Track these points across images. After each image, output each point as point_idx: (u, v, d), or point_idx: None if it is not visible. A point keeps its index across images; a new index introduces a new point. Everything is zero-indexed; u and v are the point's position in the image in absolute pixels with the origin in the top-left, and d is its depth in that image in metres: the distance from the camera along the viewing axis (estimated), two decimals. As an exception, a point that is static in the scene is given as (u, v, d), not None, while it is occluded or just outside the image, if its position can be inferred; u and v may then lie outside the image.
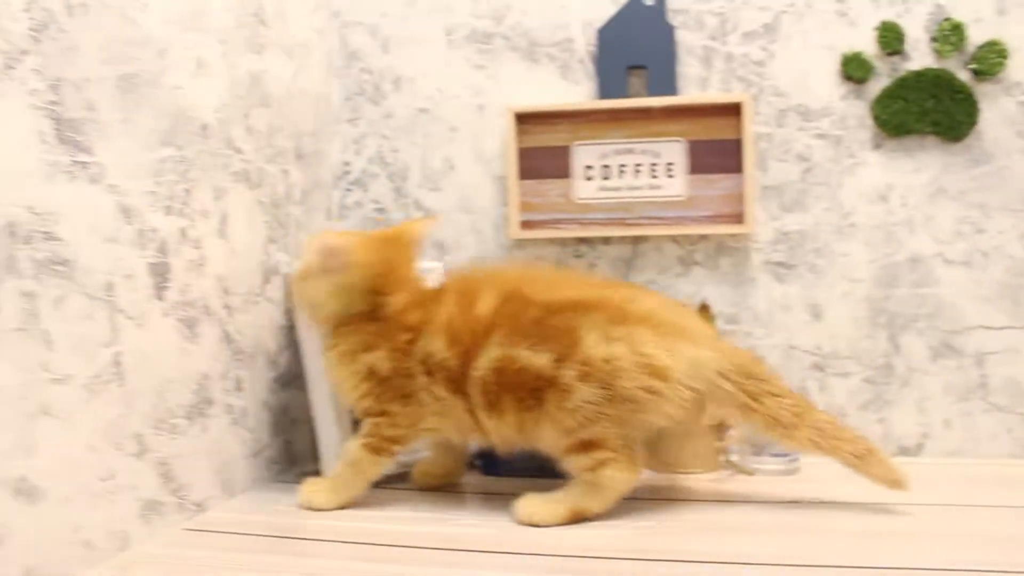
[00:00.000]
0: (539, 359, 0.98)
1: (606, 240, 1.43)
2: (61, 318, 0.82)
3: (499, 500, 1.06)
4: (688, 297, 1.40)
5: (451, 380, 1.03)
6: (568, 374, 0.96)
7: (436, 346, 1.03)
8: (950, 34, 1.32)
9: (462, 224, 1.48)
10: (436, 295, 1.07)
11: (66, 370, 0.82)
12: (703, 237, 1.41)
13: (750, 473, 1.23)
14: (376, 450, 1.06)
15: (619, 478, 0.99)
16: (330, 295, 1.06)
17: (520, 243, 1.46)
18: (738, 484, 1.18)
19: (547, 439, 1.00)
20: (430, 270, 1.18)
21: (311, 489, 1.08)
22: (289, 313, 1.27)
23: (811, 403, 1.05)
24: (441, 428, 1.07)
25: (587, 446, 0.98)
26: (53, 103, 0.82)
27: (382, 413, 1.05)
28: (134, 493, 0.92)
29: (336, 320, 1.07)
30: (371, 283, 1.06)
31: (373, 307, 1.06)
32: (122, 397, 0.90)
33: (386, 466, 1.07)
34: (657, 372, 0.96)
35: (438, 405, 1.05)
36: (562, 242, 1.44)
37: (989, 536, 0.93)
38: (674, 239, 1.42)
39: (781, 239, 1.39)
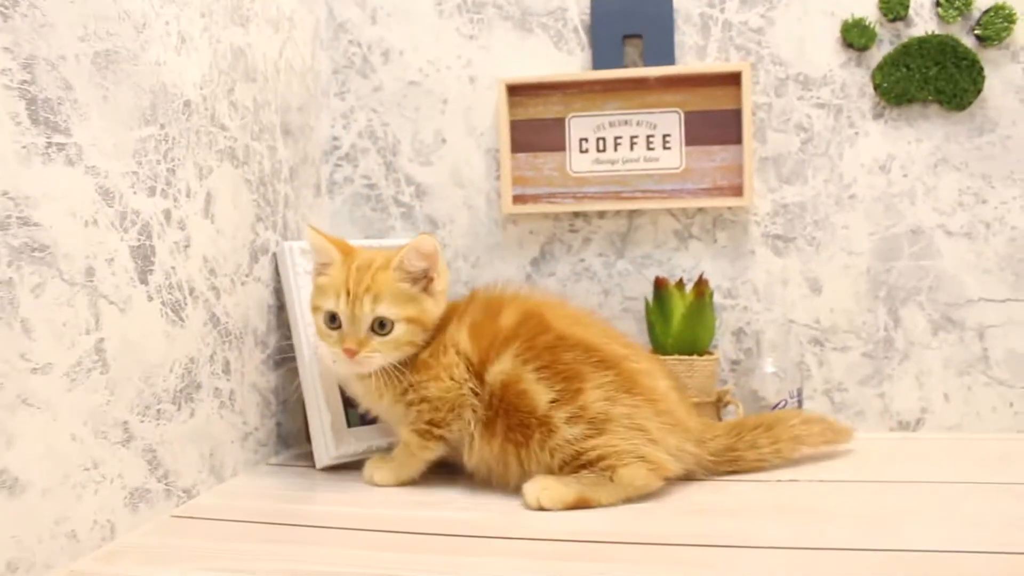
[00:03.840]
0: (541, 394, 1.00)
1: (601, 214, 1.41)
2: (40, 305, 0.80)
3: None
4: (685, 271, 1.38)
5: (472, 374, 1.05)
6: (559, 415, 0.99)
7: (461, 337, 1.07)
8: (954, -1, 1.29)
9: (454, 199, 1.45)
10: (463, 303, 1.12)
11: (46, 359, 0.80)
12: (700, 210, 1.38)
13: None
14: (420, 433, 1.07)
15: (638, 477, 0.98)
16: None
17: (513, 218, 1.43)
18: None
19: (535, 474, 1.00)
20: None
21: (374, 466, 1.11)
22: (279, 293, 1.25)
23: (776, 417, 1.13)
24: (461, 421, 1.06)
25: (591, 463, 0.98)
26: (25, 83, 0.79)
27: (423, 400, 1.06)
28: (120, 482, 0.90)
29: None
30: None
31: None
32: (106, 384, 0.88)
33: (436, 449, 1.08)
34: (644, 456, 0.99)
35: (461, 390, 1.04)
36: (556, 216, 1.42)
37: (990, 515, 0.91)
38: (671, 212, 1.39)
39: (780, 211, 1.36)
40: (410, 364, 1.06)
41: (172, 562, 0.83)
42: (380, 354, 1.04)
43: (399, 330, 1.04)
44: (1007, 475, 1.07)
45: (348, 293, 1.03)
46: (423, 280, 1.07)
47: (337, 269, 1.06)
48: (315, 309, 1.08)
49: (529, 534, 0.89)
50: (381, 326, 1.04)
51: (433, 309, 1.08)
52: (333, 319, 1.05)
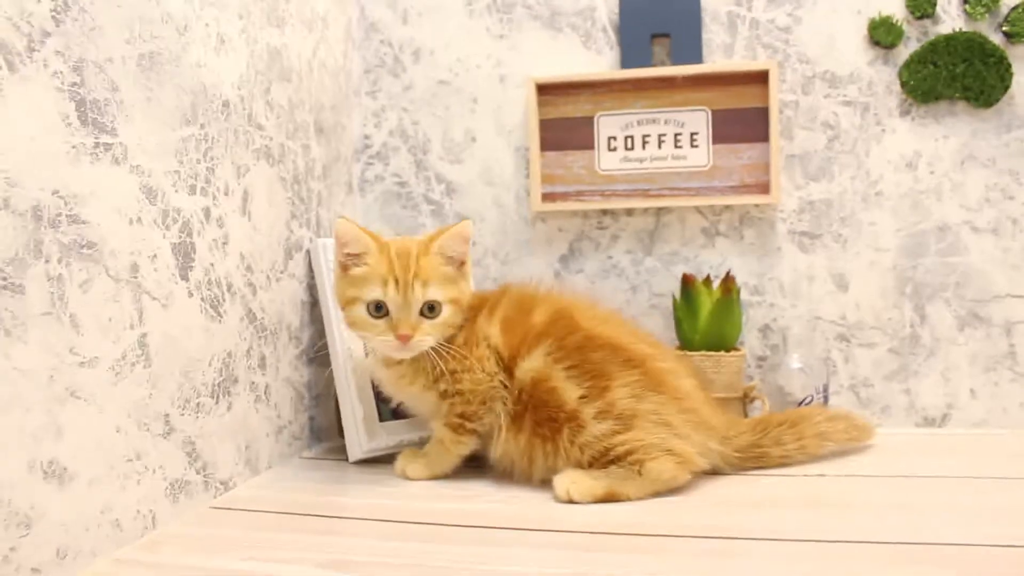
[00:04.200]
0: (570, 391, 1.03)
1: (629, 212, 1.42)
2: (87, 301, 0.82)
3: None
4: (712, 268, 1.39)
5: (502, 367, 1.08)
6: (588, 411, 1.02)
7: (492, 331, 1.10)
8: (982, -4, 1.29)
9: (484, 197, 1.47)
10: (494, 296, 1.15)
11: (93, 353, 0.83)
12: (727, 207, 1.39)
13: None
14: (454, 428, 1.09)
15: (666, 471, 0.99)
16: None
17: (542, 215, 1.45)
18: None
19: (561, 469, 1.02)
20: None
21: (406, 460, 1.13)
22: (312, 289, 1.27)
23: (800, 414, 1.15)
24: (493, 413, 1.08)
25: (619, 458, 1.00)
26: (75, 85, 0.81)
27: (456, 393, 1.08)
28: (161, 473, 0.93)
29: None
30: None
31: None
32: (148, 378, 0.91)
33: (468, 443, 1.10)
34: (671, 450, 1.01)
35: (492, 382, 1.07)
36: (584, 214, 1.43)
37: (1015, 509, 0.92)
38: (698, 210, 1.40)
39: (806, 208, 1.37)
40: (443, 350, 1.08)
41: (213, 552, 0.86)
42: (431, 336, 1.06)
43: (446, 312, 1.07)
44: (1033, 471, 1.07)
45: (396, 280, 1.04)
46: (457, 263, 1.10)
47: (375, 258, 1.07)
48: (351, 300, 1.07)
49: (559, 526, 0.90)
50: (431, 309, 1.06)
51: (467, 290, 1.11)
52: (379, 308, 1.06)
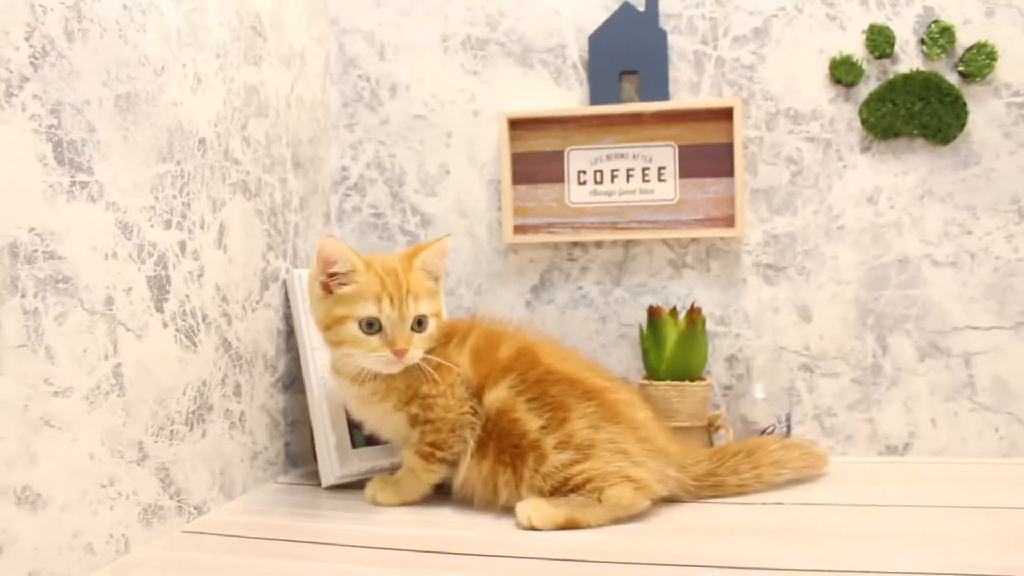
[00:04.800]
0: (531, 421, 1.06)
1: (598, 244, 1.46)
2: (63, 333, 0.85)
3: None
4: (679, 299, 1.42)
5: (471, 395, 1.11)
6: (548, 441, 1.05)
7: (463, 360, 1.14)
8: (939, 36, 1.34)
9: (457, 228, 1.50)
10: (464, 326, 1.19)
11: (68, 383, 0.86)
12: (694, 240, 1.43)
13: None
14: (423, 456, 1.12)
15: (624, 497, 1.02)
16: None
17: (514, 247, 1.48)
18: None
19: (524, 496, 1.05)
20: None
21: (377, 487, 1.16)
22: (288, 318, 1.30)
23: (757, 443, 1.18)
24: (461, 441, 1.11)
25: (579, 487, 1.03)
26: (53, 127, 0.85)
27: (426, 421, 1.11)
28: (134, 498, 0.95)
29: None
30: None
31: None
32: (122, 406, 0.94)
33: (439, 472, 1.13)
34: (629, 476, 1.03)
35: (462, 408, 1.10)
36: (555, 246, 1.47)
37: (975, 537, 0.95)
38: (665, 242, 1.44)
39: (771, 241, 1.41)
40: (424, 364, 1.11)
41: (184, 575, 0.88)
42: (420, 350, 1.10)
43: (431, 325, 1.12)
44: (991, 499, 1.10)
45: (391, 297, 1.07)
46: (435, 278, 1.15)
47: (364, 276, 1.09)
48: (339, 319, 1.08)
49: (521, 553, 0.93)
50: (419, 324, 1.10)
51: (441, 306, 1.15)
52: (371, 324, 1.08)
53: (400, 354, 1.07)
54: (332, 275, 1.10)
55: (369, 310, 1.07)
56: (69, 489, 0.86)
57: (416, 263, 1.12)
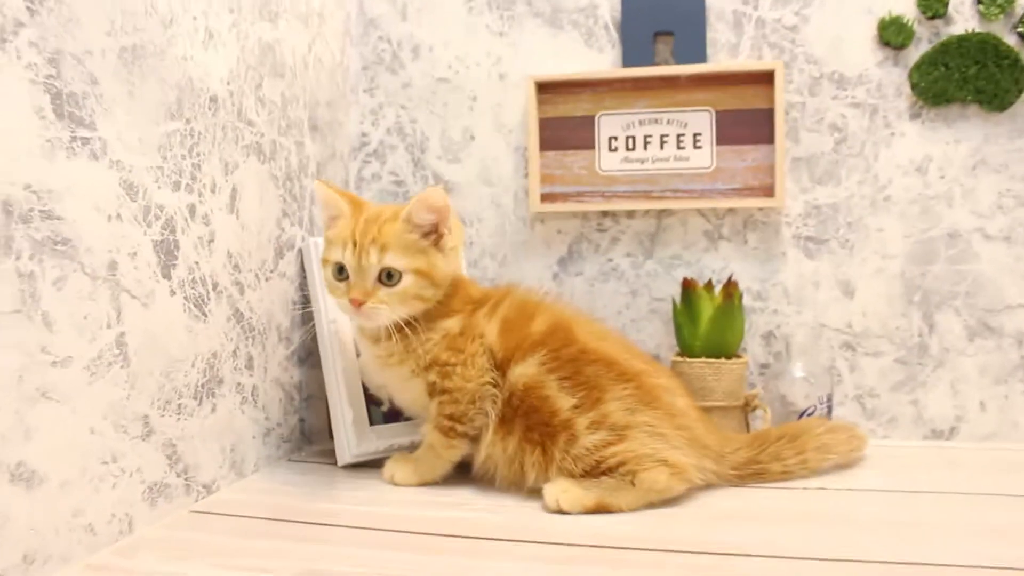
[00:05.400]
0: (563, 400, 1.00)
1: (630, 214, 1.39)
2: (61, 299, 0.80)
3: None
4: (714, 273, 1.36)
5: (495, 366, 1.05)
6: (581, 421, 0.99)
7: (490, 329, 1.07)
8: (997, -5, 1.25)
9: (482, 197, 1.44)
10: (498, 295, 1.13)
11: (67, 352, 0.80)
12: (731, 211, 1.36)
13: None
14: (443, 431, 1.06)
15: (659, 482, 0.96)
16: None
17: (541, 216, 1.42)
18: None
19: (552, 477, 1.00)
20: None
21: (395, 465, 1.10)
22: (303, 288, 1.25)
23: (800, 427, 1.11)
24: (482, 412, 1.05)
25: (611, 469, 0.97)
26: (51, 77, 0.79)
27: (444, 391, 1.05)
28: (138, 476, 0.90)
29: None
30: None
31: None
32: (126, 378, 0.88)
33: (460, 448, 1.07)
34: (665, 460, 0.98)
35: (482, 379, 1.04)
36: (584, 215, 1.40)
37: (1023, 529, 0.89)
38: (701, 213, 1.37)
39: (812, 213, 1.34)
40: (434, 329, 1.05)
41: (189, 557, 0.83)
42: (387, 306, 1.02)
43: (407, 281, 1.03)
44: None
45: (355, 244, 1.03)
46: (433, 235, 1.06)
47: (345, 221, 1.06)
48: (324, 262, 1.08)
49: (548, 538, 0.88)
50: (388, 277, 1.03)
51: (443, 265, 1.06)
52: (341, 271, 1.04)
53: (355, 304, 1.01)
54: (329, 219, 1.09)
55: (336, 254, 1.04)
56: (68, 466, 0.81)
57: (401, 215, 1.04)
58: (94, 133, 0.85)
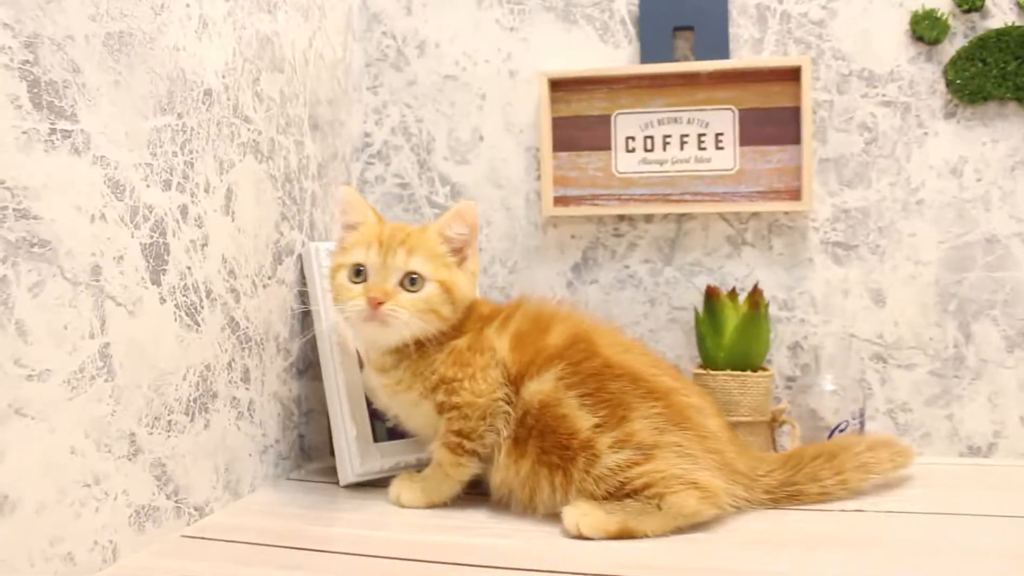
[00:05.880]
0: (582, 419, 0.93)
1: (648, 218, 1.32)
2: (38, 306, 0.73)
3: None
4: (738, 280, 1.29)
5: (508, 382, 0.98)
6: (603, 441, 0.92)
7: (501, 344, 1.01)
8: (1036, -12, 1.19)
9: (491, 200, 1.37)
10: (509, 308, 1.06)
11: (44, 364, 0.73)
12: (755, 215, 1.29)
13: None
14: (450, 447, 0.99)
15: (688, 505, 0.89)
16: None
17: (554, 220, 1.35)
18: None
19: (570, 501, 0.92)
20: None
21: (402, 485, 1.03)
22: (304, 296, 1.18)
23: (838, 445, 1.03)
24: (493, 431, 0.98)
25: (636, 491, 0.90)
26: (27, 63, 0.72)
27: (453, 407, 0.98)
28: (124, 499, 0.83)
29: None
30: None
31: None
32: (111, 392, 0.81)
33: (469, 466, 1.00)
34: (696, 483, 0.90)
35: (494, 394, 0.97)
36: (600, 220, 1.34)
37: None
38: (723, 217, 1.30)
39: (841, 217, 1.27)
40: (442, 351, 0.99)
41: (178, 589, 0.76)
42: (406, 312, 0.96)
43: (429, 290, 0.98)
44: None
45: (380, 243, 0.97)
46: (459, 254, 1.02)
47: (369, 227, 1.01)
48: (336, 268, 1.01)
49: (568, 566, 0.80)
50: (412, 283, 0.97)
51: (463, 286, 1.01)
52: (358, 272, 0.98)
53: (374, 304, 0.94)
54: (346, 228, 1.03)
55: (357, 256, 0.98)
56: (45, 489, 0.73)
57: (433, 226, 1.01)
58: (76, 125, 0.78)
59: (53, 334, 0.74)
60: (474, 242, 1.03)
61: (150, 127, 0.88)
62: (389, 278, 0.97)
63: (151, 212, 0.88)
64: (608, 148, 1.31)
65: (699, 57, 1.28)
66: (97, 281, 0.80)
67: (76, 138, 0.78)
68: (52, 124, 0.75)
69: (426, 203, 1.39)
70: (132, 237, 0.85)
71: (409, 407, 1.03)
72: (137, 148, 0.86)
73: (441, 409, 0.99)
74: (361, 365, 1.10)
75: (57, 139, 0.75)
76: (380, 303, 0.95)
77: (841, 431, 1.16)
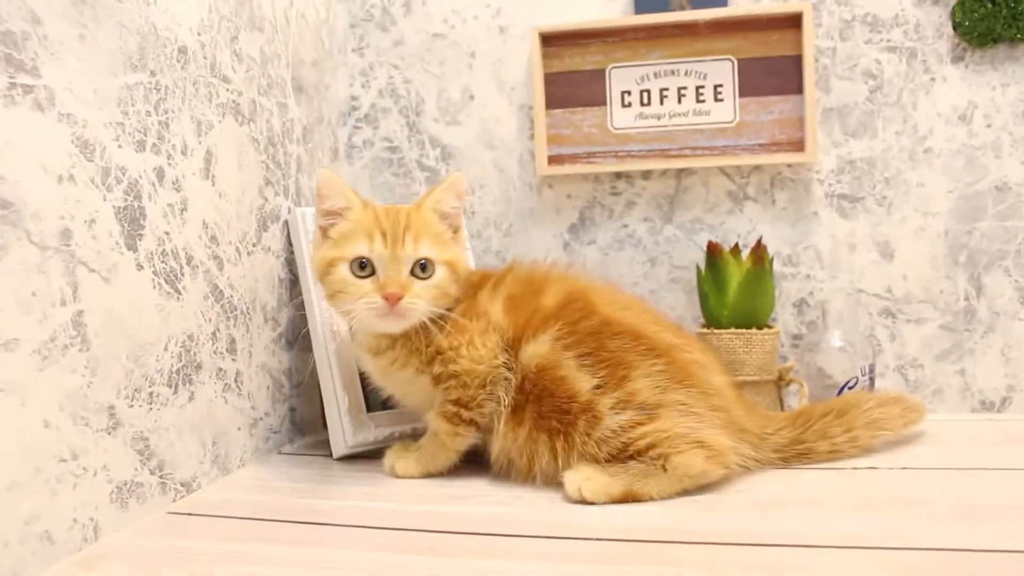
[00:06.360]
0: (582, 381, 0.90)
1: (646, 175, 1.28)
2: (3, 271, 0.69)
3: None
4: (740, 236, 1.25)
5: (505, 348, 0.94)
6: (604, 402, 0.88)
7: (494, 308, 0.97)
8: (1046, -77, 1.14)
9: (484, 161, 1.33)
10: (500, 273, 1.02)
11: (11, 333, 0.69)
12: (756, 168, 1.25)
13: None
14: (447, 417, 0.95)
15: (694, 466, 0.86)
16: None
17: (549, 180, 1.31)
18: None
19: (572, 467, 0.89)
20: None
21: (396, 456, 1.00)
22: (291, 264, 1.13)
23: (848, 402, 1.00)
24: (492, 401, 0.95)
25: (640, 452, 0.86)
26: (-18, 13, 0.68)
27: (451, 376, 0.94)
28: (105, 475, 0.79)
29: None
30: None
31: None
32: (86, 363, 0.77)
33: (466, 436, 0.96)
34: (701, 442, 0.87)
35: (494, 360, 0.93)
36: (596, 178, 1.29)
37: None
38: (723, 171, 1.26)
39: (846, 168, 1.23)
40: (437, 326, 0.94)
41: (164, 565, 0.73)
42: (423, 301, 0.92)
43: (440, 274, 0.94)
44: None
45: (384, 234, 0.92)
46: (452, 225, 0.98)
47: (359, 214, 0.95)
48: (332, 263, 0.93)
49: (571, 532, 0.77)
50: (423, 269, 0.93)
51: (464, 260, 0.98)
52: (363, 266, 0.92)
53: (392, 300, 0.89)
54: (329, 215, 0.95)
55: (359, 248, 0.92)
56: (17, 465, 0.70)
57: (426, 204, 0.96)
58: (38, 80, 0.73)
59: (20, 302, 0.71)
60: (461, 212, 1.00)
61: (120, 84, 0.84)
62: (402, 270, 0.92)
63: (124, 174, 0.83)
64: (603, 104, 1.27)
65: (696, 6, 1.24)
66: (68, 246, 0.76)
67: (38, 93, 0.73)
68: (12, 78, 0.71)
69: (416, 167, 1.35)
70: (104, 200, 0.81)
71: (404, 384, 0.99)
72: (107, 106, 0.82)
73: (438, 380, 0.95)
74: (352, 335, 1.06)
75: (17, 94, 0.71)
76: (399, 298, 0.90)
77: (851, 389, 1.12)
